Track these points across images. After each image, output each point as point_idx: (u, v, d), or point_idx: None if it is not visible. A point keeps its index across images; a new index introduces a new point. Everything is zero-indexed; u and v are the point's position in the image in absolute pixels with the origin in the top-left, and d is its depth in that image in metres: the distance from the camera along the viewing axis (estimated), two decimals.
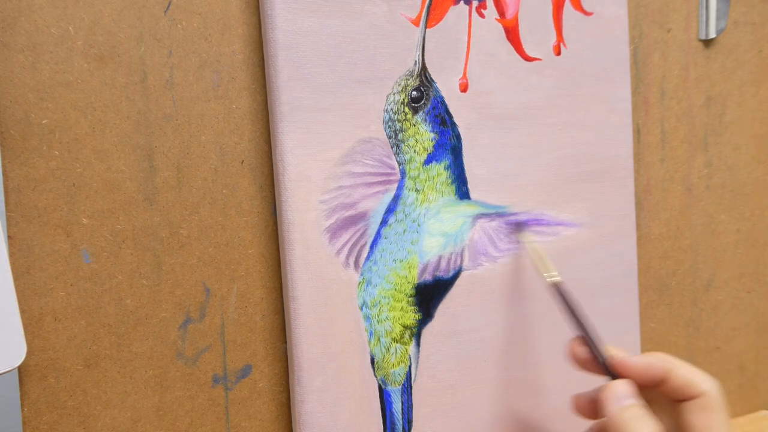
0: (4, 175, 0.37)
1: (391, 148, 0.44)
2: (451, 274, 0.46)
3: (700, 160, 0.58)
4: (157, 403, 0.41)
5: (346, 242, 0.43)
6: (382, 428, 0.44)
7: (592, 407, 0.43)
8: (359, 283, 0.43)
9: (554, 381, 0.50)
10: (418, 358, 0.45)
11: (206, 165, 0.41)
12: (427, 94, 0.45)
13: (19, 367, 0.38)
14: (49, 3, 0.38)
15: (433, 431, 0.46)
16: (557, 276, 0.45)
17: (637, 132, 0.55)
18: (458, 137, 0.46)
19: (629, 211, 0.52)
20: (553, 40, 0.49)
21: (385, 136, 0.44)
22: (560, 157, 0.49)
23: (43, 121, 0.38)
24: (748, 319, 0.61)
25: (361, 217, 0.43)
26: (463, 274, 0.46)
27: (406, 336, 0.45)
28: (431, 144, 0.45)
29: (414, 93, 0.44)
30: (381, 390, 0.44)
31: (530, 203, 0.48)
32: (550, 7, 0.48)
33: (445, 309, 0.46)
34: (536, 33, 0.48)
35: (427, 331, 0.45)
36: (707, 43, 0.57)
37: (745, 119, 0.60)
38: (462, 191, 0.46)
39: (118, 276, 0.40)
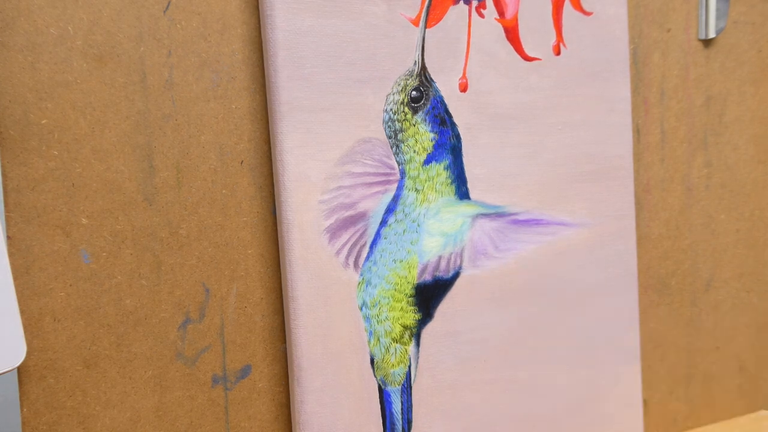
0: (4, 175, 0.37)
1: (391, 148, 0.44)
2: (450, 274, 0.46)
3: (700, 160, 0.58)
4: (156, 403, 0.41)
5: (346, 242, 0.43)
6: (382, 428, 0.44)
7: None
8: (359, 283, 0.43)
9: (554, 381, 0.50)
10: (417, 358, 0.45)
11: (206, 165, 0.41)
12: (426, 94, 0.44)
13: (19, 368, 0.38)
14: (48, 3, 0.38)
15: (433, 431, 0.46)
16: None
17: (637, 132, 0.55)
18: (458, 137, 0.46)
19: (629, 211, 0.52)
20: (553, 40, 0.49)
21: (385, 136, 0.44)
22: (560, 157, 0.49)
23: (43, 121, 0.38)
24: (748, 319, 0.61)
25: (360, 217, 0.43)
26: (463, 275, 0.46)
27: (406, 336, 0.45)
28: (431, 144, 0.45)
29: (414, 93, 0.44)
30: (381, 390, 0.44)
31: (530, 203, 0.48)
32: (549, 7, 0.48)
33: (444, 309, 0.46)
34: (536, 33, 0.48)
35: (427, 332, 0.45)
36: (707, 42, 0.57)
37: (745, 119, 0.60)
38: (462, 191, 0.46)
39: (118, 276, 0.40)
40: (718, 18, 0.57)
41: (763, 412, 0.62)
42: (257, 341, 0.43)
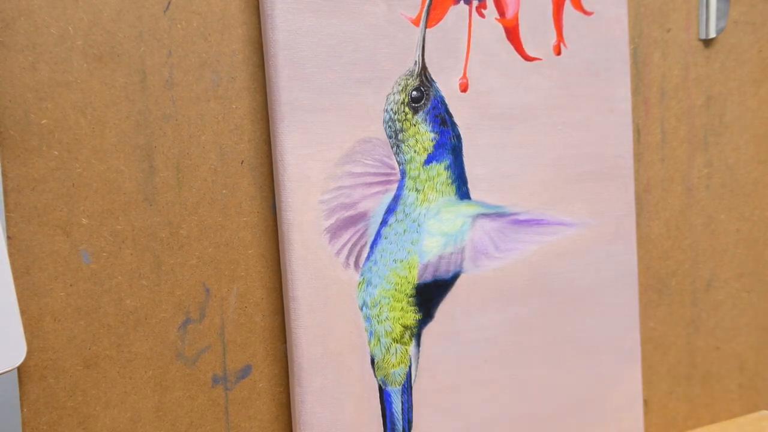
0: (4, 175, 0.37)
1: (391, 148, 0.44)
2: (451, 274, 0.46)
3: (700, 160, 0.58)
4: (156, 403, 0.41)
5: (346, 242, 0.43)
6: (382, 428, 0.44)
7: None
8: (359, 283, 0.43)
9: (554, 381, 0.50)
10: (418, 358, 0.45)
11: (206, 165, 0.41)
12: (427, 94, 0.44)
13: (19, 368, 0.38)
14: (49, 3, 0.38)
15: (433, 431, 0.46)
16: None
17: (637, 132, 0.55)
18: (458, 137, 0.46)
19: (629, 211, 0.52)
20: (553, 39, 0.49)
21: (385, 136, 0.44)
22: (560, 157, 0.49)
23: (43, 121, 0.38)
24: (748, 319, 0.61)
25: (361, 217, 0.43)
26: (464, 275, 0.46)
27: (406, 336, 0.45)
28: (431, 144, 0.45)
29: (414, 93, 0.44)
30: (381, 390, 0.44)
31: (530, 203, 0.48)
32: (550, 7, 0.48)
33: (445, 309, 0.46)
34: (536, 33, 0.48)
35: (427, 332, 0.45)
36: (707, 42, 0.57)
37: (745, 119, 0.59)
38: (462, 191, 0.46)
39: (118, 276, 0.40)
40: (718, 18, 0.57)
41: (763, 412, 0.62)
42: (257, 341, 0.43)
